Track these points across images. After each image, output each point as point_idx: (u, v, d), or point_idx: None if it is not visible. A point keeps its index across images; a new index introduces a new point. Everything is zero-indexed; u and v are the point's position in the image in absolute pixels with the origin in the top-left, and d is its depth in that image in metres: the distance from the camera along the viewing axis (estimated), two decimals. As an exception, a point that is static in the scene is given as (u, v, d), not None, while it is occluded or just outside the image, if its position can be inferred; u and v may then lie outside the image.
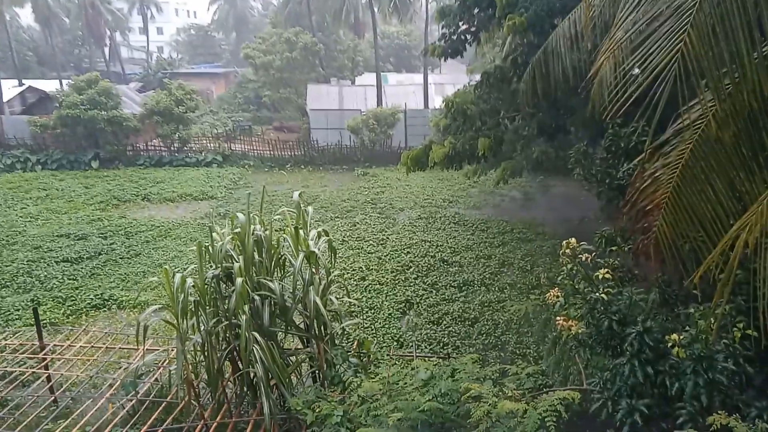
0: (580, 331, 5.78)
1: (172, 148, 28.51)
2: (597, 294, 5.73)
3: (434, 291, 13.20)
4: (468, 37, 13.92)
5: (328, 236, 7.82)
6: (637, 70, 4.86)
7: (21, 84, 37.63)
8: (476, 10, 12.67)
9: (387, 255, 15.48)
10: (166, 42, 71.40)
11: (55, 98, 28.28)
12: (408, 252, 15.66)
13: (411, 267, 14.57)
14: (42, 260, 15.40)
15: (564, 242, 6.43)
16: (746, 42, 4.17)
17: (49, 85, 36.49)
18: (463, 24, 13.54)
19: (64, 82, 34.87)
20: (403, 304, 12.60)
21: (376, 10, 34.54)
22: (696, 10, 4.04)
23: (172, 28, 72.63)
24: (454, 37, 14.03)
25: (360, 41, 41.58)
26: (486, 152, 11.44)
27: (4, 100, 31.78)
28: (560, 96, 10.41)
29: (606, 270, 5.96)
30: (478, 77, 24.86)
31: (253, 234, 7.08)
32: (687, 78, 4.27)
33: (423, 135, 26.12)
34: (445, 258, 15.06)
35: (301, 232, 7.37)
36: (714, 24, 4.11)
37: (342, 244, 16.16)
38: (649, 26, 4.26)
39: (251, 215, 7.13)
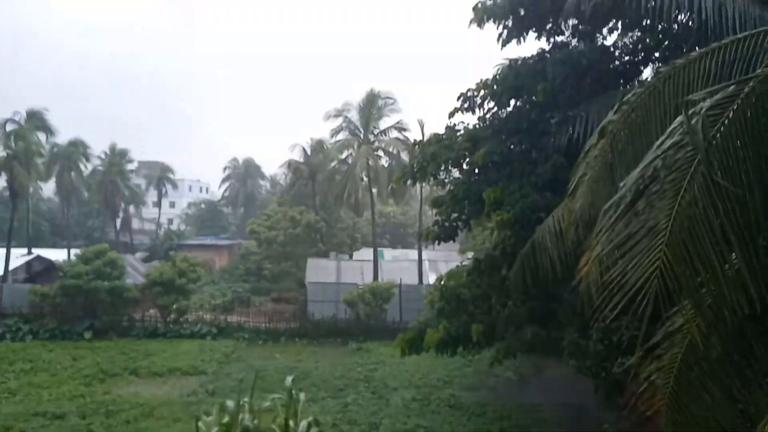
0: None
1: (168, 319, 28.33)
2: None
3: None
4: (459, 224, 14.75)
5: (318, 427, 7.49)
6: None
7: (30, 253, 38.70)
8: (466, 203, 13.65)
9: (381, 443, 14.48)
10: (176, 214, 75.21)
11: (60, 268, 28.89)
12: (403, 440, 14.67)
13: (407, 459, 13.53)
14: (11, 443, 14.34)
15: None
16: (719, 260, 4.50)
17: (58, 254, 37.53)
18: (454, 213, 14.45)
19: (73, 251, 35.93)
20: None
21: (375, 192, 37.14)
22: (669, 231, 4.42)
23: (185, 202, 77.11)
24: (447, 224, 14.88)
25: (359, 219, 43.89)
26: (479, 338, 11.44)
27: (11, 268, 32.43)
28: (550, 285, 10.72)
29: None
30: (469, 255, 25.61)
31: (241, 424, 6.80)
32: (668, 291, 4.52)
33: (417, 310, 26.19)
34: (443, 449, 14.07)
35: (291, 422, 7.09)
36: (686, 244, 4.47)
37: (332, 429, 15.20)
38: (626, 244, 4.61)
39: (240, 402, 6.92)
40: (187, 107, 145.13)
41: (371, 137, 35.84)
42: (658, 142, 4.82)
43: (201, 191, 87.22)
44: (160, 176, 62.26)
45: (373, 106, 35.38)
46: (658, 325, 6.17)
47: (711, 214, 4.55)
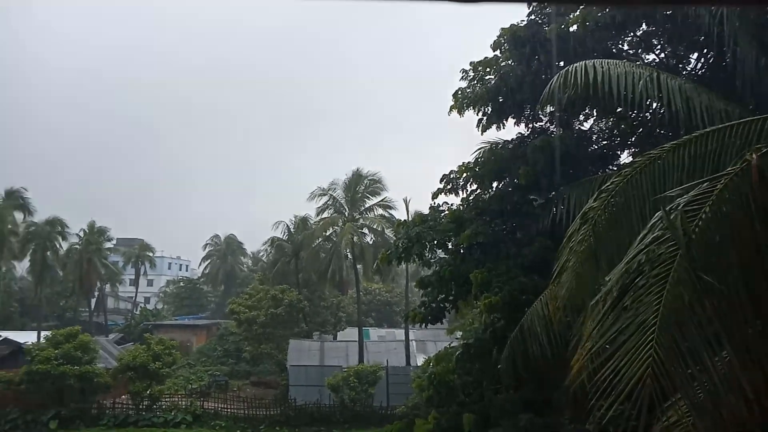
0: None
1: (141, 407, 26.87)
2: None
3: None
4: (446, 305, 14.54)
5: None
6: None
7: (-2, 335, 37.01)
8: (453, 284, 13.53)
9: None
10: (154, 293, 73.28)
11: (28, 352, 27.57)
12: None
13: None
14: None
15: None
16: (711, 356, 4.45)
17: (28, 337, 35.94)
18: (441, 294, 14.29)
19: (43, 333, 34.48)
20: None
21: (360, 269, 36.88)
22: (658, 327, 4.39)
23: (163, 279, 75.45)
24: (434, 305, 14.64)
25: (343, 297, 43.24)
26: (471, 428, 10.97)
27: (-25, 352, 30.90)
28: (542, 370, 10.47)
29: None
30: (458, 334, 24.99)
31: None
32: (662, 388, 4.41)
33: (405, 394, 25.27)
34: None
35: None
36: (676, 340, 4.43)
37: None
38: (617, 339, 4.56)
39: None
40: (173, 183, 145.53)
41: (356, 215, 36.11)
42: (640, 237, 4.89)
43: (181, 269, 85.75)
44: (139, 254, 61.27)
45: (358, 184, 35.97)
46: (657, 413, 6.01)
47: (698, 309, 4.55)
